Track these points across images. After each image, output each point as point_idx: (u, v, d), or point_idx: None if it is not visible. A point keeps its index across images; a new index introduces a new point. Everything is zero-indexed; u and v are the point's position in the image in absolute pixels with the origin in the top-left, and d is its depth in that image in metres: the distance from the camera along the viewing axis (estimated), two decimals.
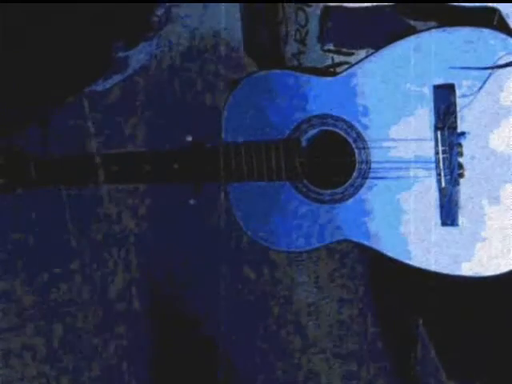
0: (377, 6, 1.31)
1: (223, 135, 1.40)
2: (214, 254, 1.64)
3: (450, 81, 1.31)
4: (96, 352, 1.68)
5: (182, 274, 1.65)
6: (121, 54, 1.42)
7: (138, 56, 1.46)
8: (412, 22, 1.36)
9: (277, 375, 1.65)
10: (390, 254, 1.36)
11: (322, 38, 1.42)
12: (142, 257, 1.67)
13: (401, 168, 1.35)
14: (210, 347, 1.65)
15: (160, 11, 1.41)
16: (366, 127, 1.35)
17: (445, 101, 1.32)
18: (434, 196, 1.34)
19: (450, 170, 1.33)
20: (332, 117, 1.37)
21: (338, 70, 1.40)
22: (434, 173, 1.34)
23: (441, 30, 1.32)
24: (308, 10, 1.42)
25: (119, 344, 1.67)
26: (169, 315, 1.66)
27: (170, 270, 1.66)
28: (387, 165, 1.35)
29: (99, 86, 1.47)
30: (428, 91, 1.33)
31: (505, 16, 1.27)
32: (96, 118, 1.64)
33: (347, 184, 1.37)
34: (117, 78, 1.48)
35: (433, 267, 1.35)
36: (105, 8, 1.38)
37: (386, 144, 1.35)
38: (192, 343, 1.64)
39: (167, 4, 1.41)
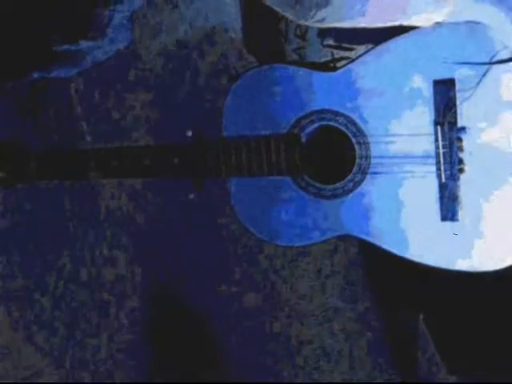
0: None
1: (223, 130, 1.41)
2: (214, 249, 1.65)
3: (449, 76, 1.31)
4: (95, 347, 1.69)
5: (182, 268, 1.66)
6: (64, 48, 1.44)
7: (97, 51, 1.48)
8: None
9: (274, 371, 1.66)
10: (390, 248, 1.36)
11: (322, 33, 1.42)
12: (142, 251, 1.67)
13: (401, 163, 1.35)
14: (209, 342, 1.65)
15: (101, 11, 1.43)
16: (365, 122, 1.35)
17: (445, 96, 1.32)
18: (433, 191, 1.34)
19: (450, 165, 1.33)
20: (332, 112, 1.37)
21: (338, 64, 1.40)
22: (434, 168, 1.34)
23: (441, 24, 1.32)
24: None
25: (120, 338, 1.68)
26: (168, 308, 1.66)
27: (172, 265, 1.66)
28: (387, 160, 1.35)
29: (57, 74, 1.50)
30: (428, 86, 1.33)
31: None
32: (93, 114, 1.65)
33: (347, 179, 1.37)
34: (73, 69, 1.51)
35: (432, 262, 1.35)
36: (42, 3, 1.40)
37: (386, 139, 1.35)
38: (191, 337, 1.64)
39: (114, 6, 1.44)
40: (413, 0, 1.26)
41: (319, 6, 1.27)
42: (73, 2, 1.42)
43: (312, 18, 1.29)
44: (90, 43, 1.47)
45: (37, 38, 1.44)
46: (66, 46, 1.46)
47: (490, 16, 1.28)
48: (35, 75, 1.52)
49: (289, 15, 1.31)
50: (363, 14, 1.27)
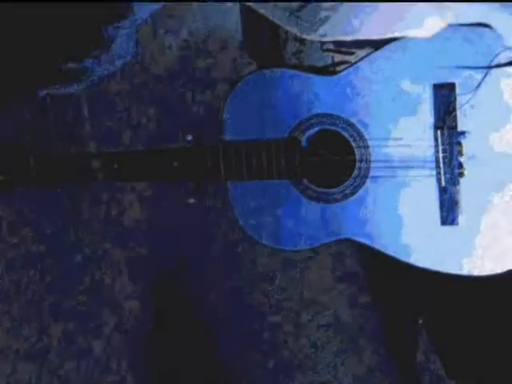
0: None
1: (223, 134, 1.40)
2: (214, 253, 1.65)
3: (449, 80, 1.32)
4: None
5: (183, 270, 1.66)
6: (69, 66, 1.46)
7: (102, 67, 1.50)
8: None
9: (271, 368, 1.66)
10: (390, 252, 1.36)
11: None
12: (142, 254, 1.67)
13: (401, 167, 1.35)
14: (211, 342, 1.65)
15: (105, 29, 1.44)
16: (365, 126, 1.35)
17: (445, 100, 1.32)
18: (434, 195, 1.34)
19: (451, 169, 1.33)
20: (332, 116, 1.37)
21: (338, 68, 1.39)
22: (434, 172, 1.34)
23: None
24: None
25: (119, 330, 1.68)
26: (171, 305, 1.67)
27: (172, 268, 1.66)
28: (387, 164, 1.35)
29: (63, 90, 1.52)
30: (428, 90, 1.33)
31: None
32: (97, 117, 1.65)
33: (347, 183, 1.37)
34: (79, 85, 1.53)
35: (432, 266, 1.35)
36: (50, 24, 1.41)
37: (386, 143, 1.35)
38: (192, 338, 1.64)
39: (118, 24, 1.45)
40: (412, 12, 1.27)
41: (321, 22, 1.29)
42: (77, 21, 1.42)
43: (315, 32, 1.30)
44: (95, 60, 1.48)
45: (43, 57, 1.45)
46: (70, 65, 1.47)
47: (495, 18, 1.29)
48: (43, 93, 1.53)
49: (292, 30, 1.33)
50: (363, 28, 1.28)
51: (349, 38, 1.31)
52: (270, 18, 1.32)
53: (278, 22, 1.32)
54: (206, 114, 1.60)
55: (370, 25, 1.28)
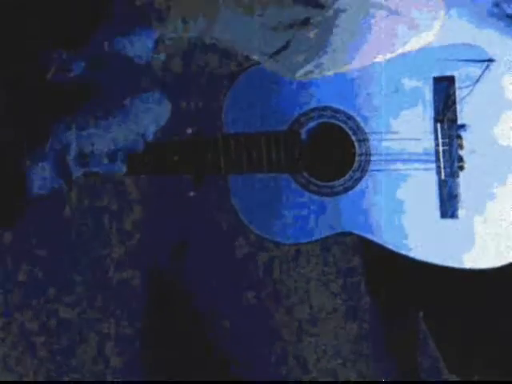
0: None
1: (223, 127, 1.41)
2: (214, 247, 1.65)
3: (449, 73, 1.31)
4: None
5: (182, 265, 1.66)
6: None
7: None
8: None
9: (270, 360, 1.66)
10: (390, 246, 1.36)
11: None
12: (141, 249, 1.67)
13: (401, 160, 1.35)
14: (209, 339, 1.65)
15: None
16: (365, 119, 1.36)
17: (444, 93, 1.32)
18: (433, 188, 1.34)
19: (450, 162, 1.33)
20: (332, 109, 1.37)
21: None
22: (433, 165, 1.34)
23: None
24: None
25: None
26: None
27: (171, 263, 1.66)
28: (387, 157, 1.35)
29: None
30: (428, 83, 1.33)
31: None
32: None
33: (347, 176, 1.37)
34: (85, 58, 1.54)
35: (432, 259, 1.35)
36: None
37: (385, 136, 1.35)
38: (191, 336, 1.64)
39: None
40: (400, 32, 1.29)
41: (299, 65, 1.32)
42: None
43: (294, 74, 1.33)
44: None
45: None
46: None
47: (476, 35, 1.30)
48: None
49: (274, 71, 1.35)
50: (353, 61, 1.30)
51: (343, 70, 1.33)
52: (252, 57, 1.35)
53: (260, 61, 1.35)
54: (206, 106, 1.60)
55: (358, 57, 1.30)
